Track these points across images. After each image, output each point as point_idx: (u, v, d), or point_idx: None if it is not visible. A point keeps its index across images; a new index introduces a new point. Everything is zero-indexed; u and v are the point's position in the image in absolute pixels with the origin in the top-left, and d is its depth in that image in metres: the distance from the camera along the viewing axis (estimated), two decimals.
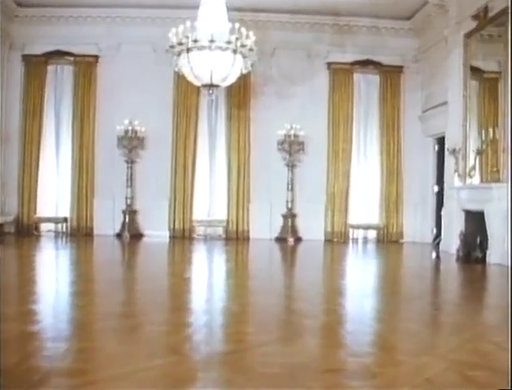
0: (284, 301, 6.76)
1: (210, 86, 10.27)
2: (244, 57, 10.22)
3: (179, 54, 10.08)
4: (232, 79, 10.61)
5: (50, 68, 14.80)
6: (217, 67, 9.97)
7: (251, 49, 10.15)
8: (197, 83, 10.50)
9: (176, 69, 10.58)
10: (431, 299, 7.34)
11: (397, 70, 15.25)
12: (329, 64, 15.12)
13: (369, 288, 8.14)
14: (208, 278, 8.93)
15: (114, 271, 8.93)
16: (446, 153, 12.98)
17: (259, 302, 6.52)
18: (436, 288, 8.64)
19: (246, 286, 7.92)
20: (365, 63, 15.13)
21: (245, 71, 10.63)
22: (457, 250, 11.54)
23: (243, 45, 10.00)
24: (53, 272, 9.04)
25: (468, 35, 12.18)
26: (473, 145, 12.10)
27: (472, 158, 12.02)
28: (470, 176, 11.88)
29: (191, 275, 9.06)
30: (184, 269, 9.58)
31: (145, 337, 4.84)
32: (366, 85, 15.37)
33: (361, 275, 9.53)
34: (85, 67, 14.70)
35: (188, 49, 9.85)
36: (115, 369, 3.86)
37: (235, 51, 9.93)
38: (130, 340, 4.78)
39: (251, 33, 10.21)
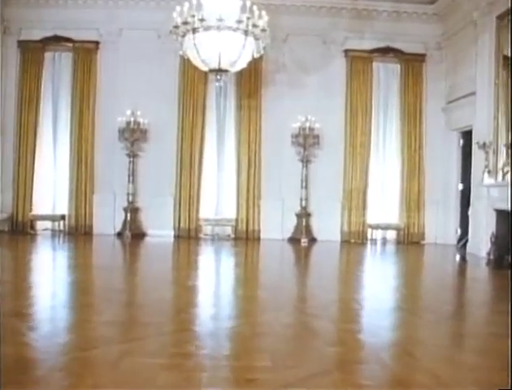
0: (302, 319, 5.73)
1: (218, 71, 9.26)
2: (256, 39, 9.17)
3: (183, 36, 9.05)
4: (242, 63, 9.55)
5: (48, 55, 13.98)
6: (226, 49, 8.94)
7: (264, 30, 9.11)
8: (204, 68, 9.50)
9: (181, 52, 9.59)
10: (472, 317, 6.28)
11: (419, 58, 14.38)
12: (346, 52, 14.23)
13: (394, 301, 7.10)
14: (215, 287, 7.87)
15: (111, 279, 7.93)
16: (474, 147, 12.10)
17: (273, 321, 5.48)
18: (472, 301, 7.57)
19: (257, 299, 6.87)
20: (385, 51, 14.24)
21: (256, 55, 9.60)
22: (488, 254, 10.78)
23: (255, 26, 8.97)
24: (44, 280, 8.03)
25: (501, 17, 11.21)
26: (504, 138, 11.20)
27: (504, 153, 11.05)
28: (504, 173, 10.85)
29: (196, 282, 8.03)
30: (188, 275, 8.56)
31: (128, 376, 3.80)
32: (386, 75, 14.52)
33: (383, 284, 8.45)
34: (85, 54, 13.87)
35: (194, 30, 8.83)
36: None
37: (246, 32, 8.90)
38: (110, 380, 3.75)
39: (264, 13, 9.16)
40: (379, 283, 8.47)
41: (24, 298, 6.46)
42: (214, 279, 8.66)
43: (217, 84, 9.87)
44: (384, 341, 5.00)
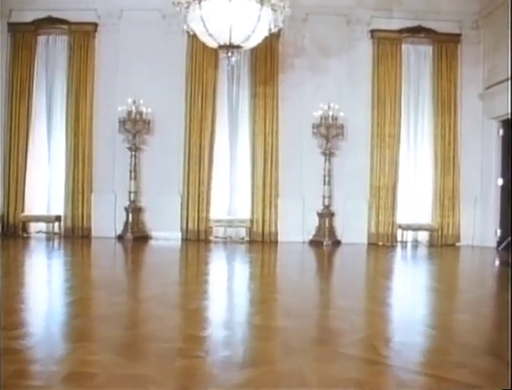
0: (339, 367, 4.19)
1: (229, 48, 8.09)
2: (273, 9, 7.97)
3: (187, 7, 7.78)
4: (256, 39, 8.59)
5: (41, 39, 13.40)
6: (238, 21, 7.92)
7: None
8: (213, 44, 8.45)
9: (185, 27, 8.47)
10: None
11: (454, 39, 13.52)
12: (372, 32, 13.44)
13: (457, 335, 5.38)
14: (225, 313, 6.41)
15: (99, 301, 6.57)
16: None
17: (303, 370, 4.05)
18: None
19: (279, 331, 5.36)
20: (415, 31, 13.46)
21: (274, 30, 8.61)
22: None
23: None
24: (23, 303, 6.65)
25: None
26: None
27: None
28: None
29: (202, 304, 6.62)
30: (193, 294, 7.17)
31: None
32: (417, 57, 13.77)
33: (429, 306, 7.08)
34: (82, 37, 13.22)
35: None
36: None
37: (261, 1, 7.76)
38: None
39: None
40: (424, 305, 7.06)
41: None
42: (225, 301, 7.25)
43: (228, 63, 8.70)
44: None
